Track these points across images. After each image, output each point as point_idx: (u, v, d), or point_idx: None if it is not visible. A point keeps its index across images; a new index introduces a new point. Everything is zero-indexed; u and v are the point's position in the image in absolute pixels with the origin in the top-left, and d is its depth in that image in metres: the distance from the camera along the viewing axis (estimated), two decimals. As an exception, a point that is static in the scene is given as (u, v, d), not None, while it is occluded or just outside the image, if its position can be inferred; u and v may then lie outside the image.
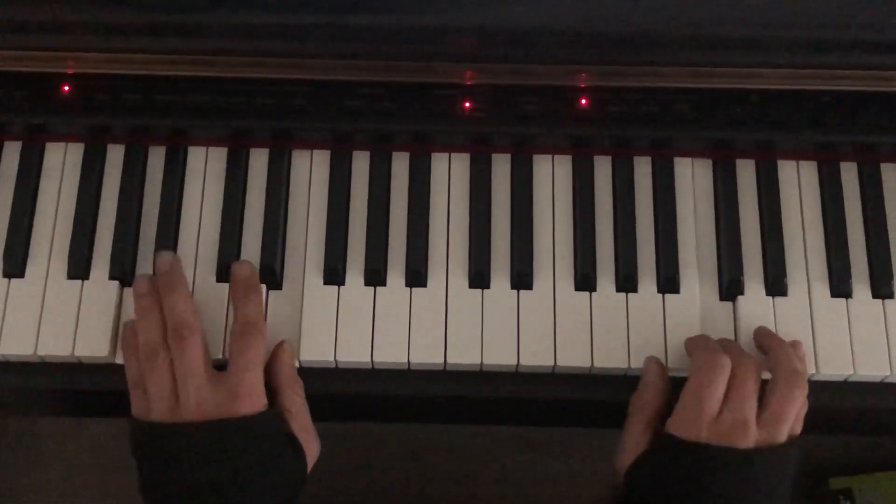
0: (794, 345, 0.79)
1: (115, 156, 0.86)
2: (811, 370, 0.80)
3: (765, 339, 0.79)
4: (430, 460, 1.34)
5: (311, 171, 0.85)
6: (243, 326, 0.76)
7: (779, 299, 0.82)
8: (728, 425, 0.73)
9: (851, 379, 0.81)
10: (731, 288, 0.82)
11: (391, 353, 0.80)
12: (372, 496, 1.32)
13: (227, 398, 0.73)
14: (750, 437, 0.73)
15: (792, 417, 0.75)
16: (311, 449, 0.79)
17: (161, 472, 0.73)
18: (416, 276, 0.82)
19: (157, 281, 0.78)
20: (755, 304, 0.82)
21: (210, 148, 0.86)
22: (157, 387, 0.74)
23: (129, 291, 0.81)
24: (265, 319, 0.79)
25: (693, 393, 0.74)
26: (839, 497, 1.34)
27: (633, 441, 0.78)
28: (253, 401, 0.74)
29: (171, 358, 0.75)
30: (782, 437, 0.74)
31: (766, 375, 0.77)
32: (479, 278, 0.82)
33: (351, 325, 0.80)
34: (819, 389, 0.80)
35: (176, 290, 0.77)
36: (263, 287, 0.81)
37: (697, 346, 0.78)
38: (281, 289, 0.82)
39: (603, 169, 0.86)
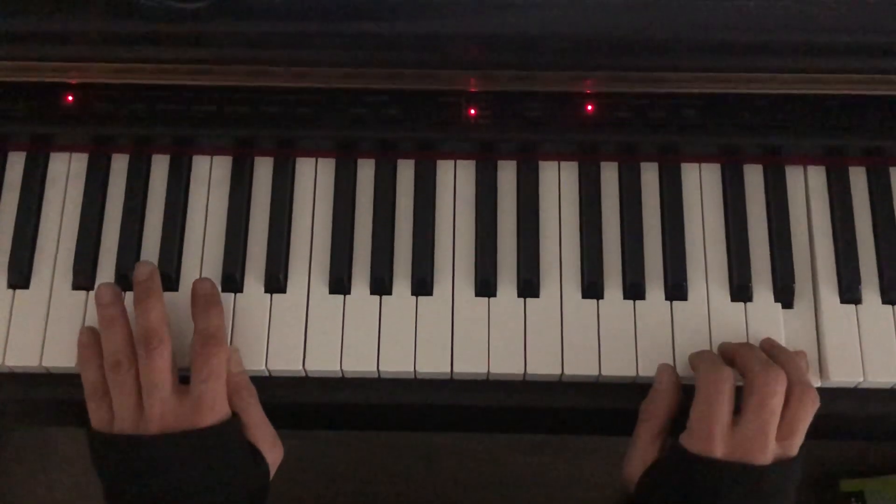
0: (798, 354, 0.79)
1: (120, 165, 0.85)
2: (821, 378, 0.80)
3: (773, 351, 0.77)
4: (439, 465, 1.34)
5: (315, 179, 0.85)
6: (204, 339, 0.76)
7: (787, 306, 0.82)
8: (748, 439, 0.72)
9: (861, 386, 0.80)
10: (739, 294, 0.82)
11: (397, 363, 0.79)
12: (380, 501, 1.32)
13: (190, 410, 0.74)
14: (769, 453, 0.72)
15: (804, 431, 0.74)
16: (272, 456, 0.79)
17: (125, 485, 0.74)
18: (422, 285, 0.81)
19: (134, 290, 0.78)
20: (764, 311, 0.81)
21: (214, 157, 0.86)
22: (122, 397, 0.74)
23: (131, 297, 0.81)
24: (226, 332, 0.78)
25: (701, 408, 0.74)
26: (850, 499, 1.33)
27: (644, 450, 0.77)
28: (214, 412, 0.74)
29: (136, 368, 0.75)
30: (795, 450, 0.74)
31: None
32: (486, 286, 0.81)
33: (356, 334, 0.80)
34: (829, 396, 0.79)
35: (150, 299, 0.77)
36: (269, 296, 0.81)
37: (700, 358, 0.77)
38: (285, 297, 0.82)
39: (609, 175, 0.85)
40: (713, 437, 0.72)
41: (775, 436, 0.72)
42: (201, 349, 0.75)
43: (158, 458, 0.73)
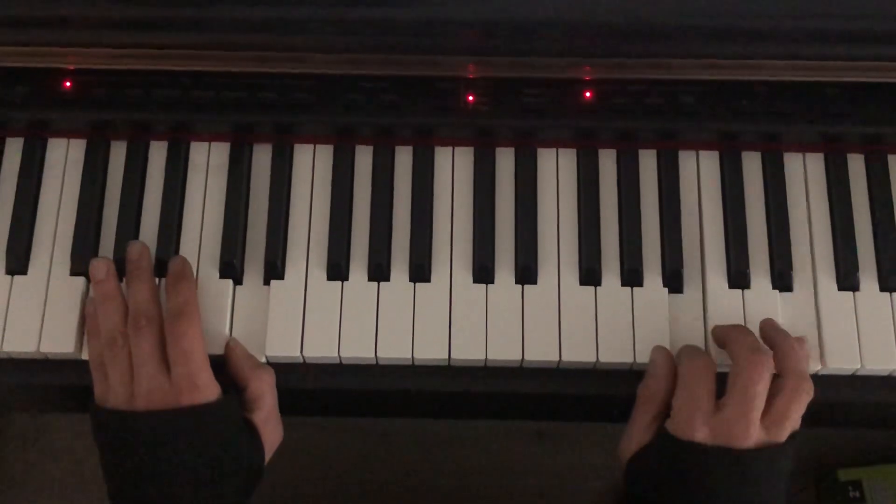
0: (799, 341, 0.78)
1: (118, 151, 0.85)
2: (818, 364, 0.80)
3: (772, 334, 0.78)
4: (437, 452, 1.34)
5: (313, 165, 0.85)
6: (172, 316, 0.76)
7: (785, 293, 0.82)
8: (730, 423, 0.72)
9: (859, 373, 0.80)
10: (737, 281, 0.82)
11: (395, 349, 0.79)
12: (379, 489, 1.32)
13: (174, 389, 0.74)
14: (751, 438, 0.72)
15: (796, 419, 0.74)
16: (272, 437, 0.80)
17: (117, 458, 0.74)
18: (420, 272, 0.81)
19: (126, 268, 0.80)
20: (762, 298, 0.81)
21: (213, 143, 0.85)
22: (116, 373, 0.75)
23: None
24: (197, 306, 0.78)
25: (682, 394, 0.74)
26: (848, 488, 1.34)
27: (639, 432, 0.77)
28: (199, 392, 0.74)
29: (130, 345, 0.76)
30: (783, 437, 0.73)
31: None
32: (483, 273, 0.81)
33: (354, 320, 0.80)
34: (826, 383, 0.80)
35: (141, 278, 0.78)
36: (268, 283, 0.81)
37: (683, 348, 0.78)
38: (284, 284, 0.82)
39: (608, 162, 0.85)
40: (694, 422, 0.72)
41: (762, 421, 0.72)
42: (171, 328, 0.75)
43: (145, 434, 0.73)
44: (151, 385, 0.74)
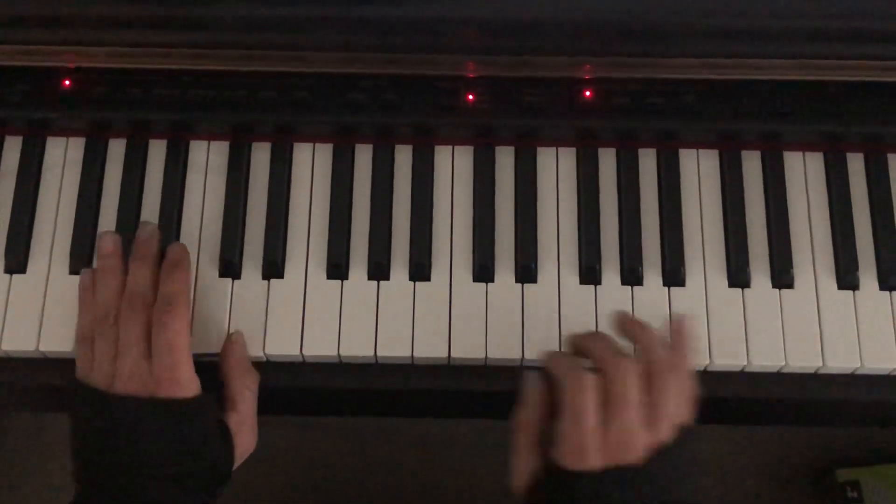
0: (680, 322, 0.74)
1: (117, 150, 0.85)
2: (818, 362, 0.80)
3: (630, 327, 0.74)
4: (436, 453, 1.34)
5: (313, 164, 0.85)
6: (162, 304, 0.74)
7: (785, 291, 0.82)
8: (614, 442, 0.67)
9: (858, 371, 0.80)
10: (737, 280, 0.82)
11: (394, 348, 0.79)
12: (377, 489, 1.32)
13: (153, 379, 0.73)
14: (638, 449, 0.68)
15: (670, 410, 0.69)
16: (244, 442, 0.79)
17: (87, 436, 0.74)
18: (420, 270, 0.81)
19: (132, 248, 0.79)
20: (762, 297, 0.81)
21: (212, 142, 0.85)
22: (103, 350, 0.74)
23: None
24: (188, 298, 0.77)
25: (568, 421, 0.69)
26: (846, 489, 1.34)
27: (523, 463, 0.72)
28: (176, 385, 0.73)
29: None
30: (665, 433, 0.68)
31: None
32: (483, 272, 0.81)
33: (354, 319, 0.80)
34: (825, 382, 0.80)
35: (145, 262, 0.77)
36: (266, 282, 0.81)
37: (558, 366, 0.72)
38: (283, 283, 0.82)
39: (607, 161, 0.85)
40: (585, 450, 0.68)
41: (644, 423, 0.68)
42: (158, 316, 0.74)
43: (117, 417, 0.72)
44: (133, 370, 0.72)
